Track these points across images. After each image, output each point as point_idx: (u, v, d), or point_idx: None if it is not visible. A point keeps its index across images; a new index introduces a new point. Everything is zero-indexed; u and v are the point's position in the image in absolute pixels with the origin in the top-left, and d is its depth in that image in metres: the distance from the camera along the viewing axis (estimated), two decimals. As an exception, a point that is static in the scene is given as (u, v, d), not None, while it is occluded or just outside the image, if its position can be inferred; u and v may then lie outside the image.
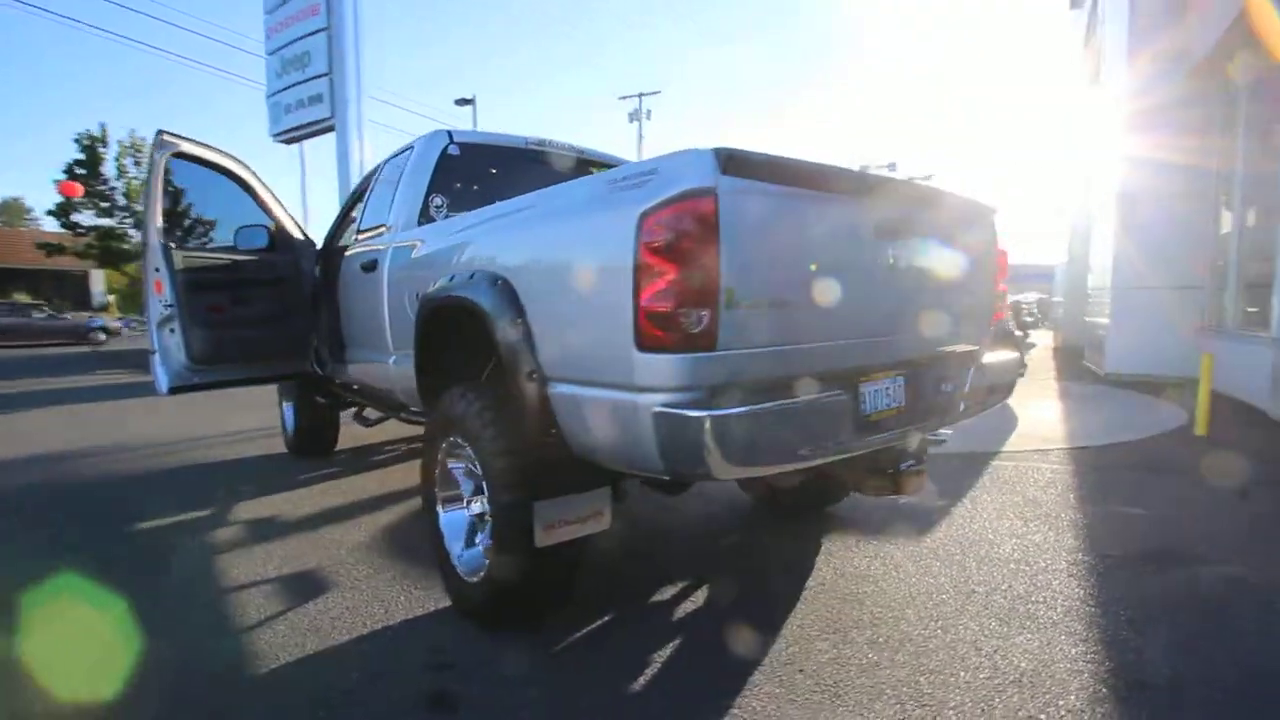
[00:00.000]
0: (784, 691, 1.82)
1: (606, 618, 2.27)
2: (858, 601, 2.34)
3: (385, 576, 2.63)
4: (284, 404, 4.93)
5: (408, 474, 4.18)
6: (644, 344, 1.48)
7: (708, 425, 1.42)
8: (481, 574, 2.12)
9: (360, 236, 3.55)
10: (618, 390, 1.57)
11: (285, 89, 14.96)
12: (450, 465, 2.38)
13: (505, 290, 1.88)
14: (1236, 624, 2.15)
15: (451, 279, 2.18)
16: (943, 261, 2.13)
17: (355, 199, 4.07)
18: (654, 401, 1.48)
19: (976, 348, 2.28)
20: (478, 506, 2.34)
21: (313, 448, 4.68)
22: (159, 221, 3.41)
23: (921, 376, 2.09)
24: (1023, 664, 1.93)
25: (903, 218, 1.95)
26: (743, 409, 1.44)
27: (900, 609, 2.28)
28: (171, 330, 3.51)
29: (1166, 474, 3.87)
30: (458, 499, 2.39)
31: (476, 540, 2.31)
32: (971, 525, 3.06)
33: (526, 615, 2.12)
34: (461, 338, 2.37)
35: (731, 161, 1.47)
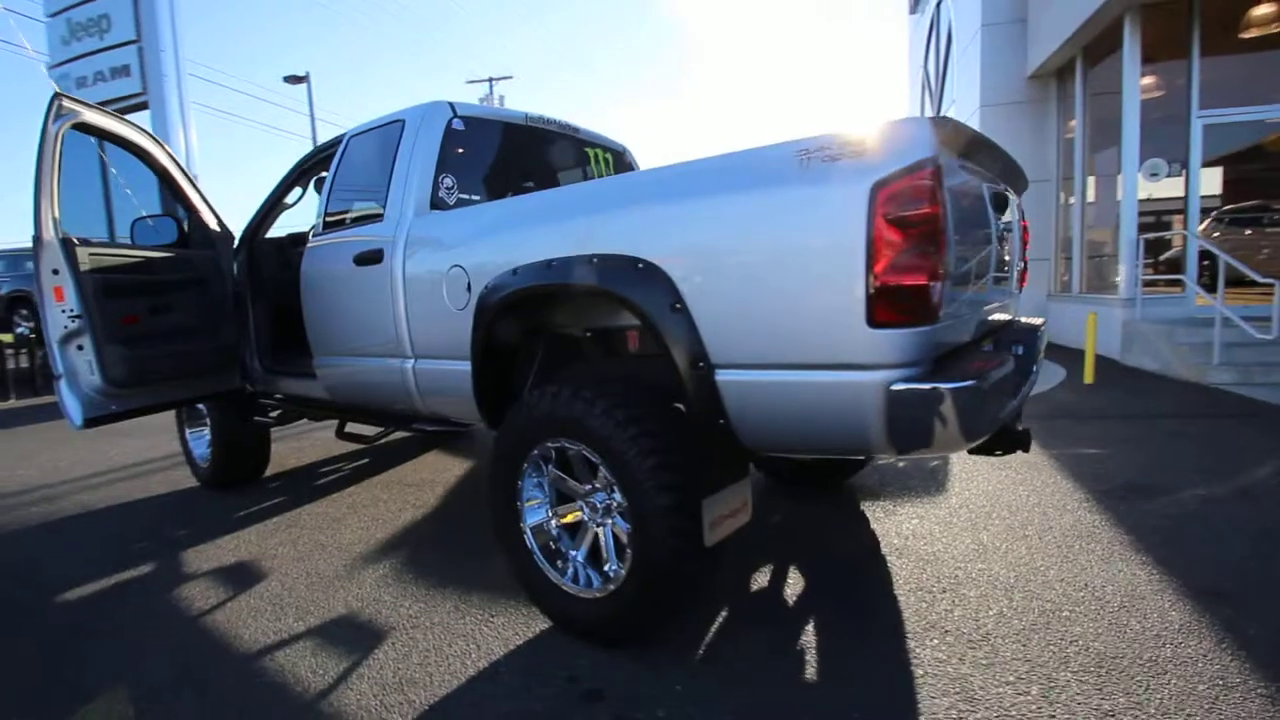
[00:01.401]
0: (947, 655, 1.87)
1: (722, 616, 2.18)
2: (940, 560, 2.47)
3: (444, 609, 2.31)
4: (188, 430, 4.14)
5: (372, 494, 3.70)
6: (877, 319, 1.42)
7: (949, 398, 1.40)
8: (612, 587, 1.93)
9: (329, 223, 3.06)
10: (836, 371, 1.49)
11: (76, 58, 12.46)
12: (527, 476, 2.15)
13: (653, 274, 1.71)
14: (1242, 535, 2.57)
15: (549, 266, 1.94)
16: (1012, 232, 2.29)
17: (290, 183, 3.50)
18: (888, 378, 1.43)
19: (1036, 315, 2.49)
20: (560, 518, 2.14)
21: (239, 477, 3.98)
22: (56, 210, 2.66)
23: (1001, 343, 2.24)
24: (1115, 590, 2.16)
25: (1000, 190, 2.07)
26: (975, 380, 1.44)
27: (983, 560, 2.43)
28: (80, 347, 2.78)
29: (1089, 418, 4.54)
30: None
31: (571, 556, 2.11)
32: (978, 480, 3.35)
33: (664, 624, 1.97)
34: (537, 333, 2.15)
35: (943, 131, 1.46)
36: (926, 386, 1.41)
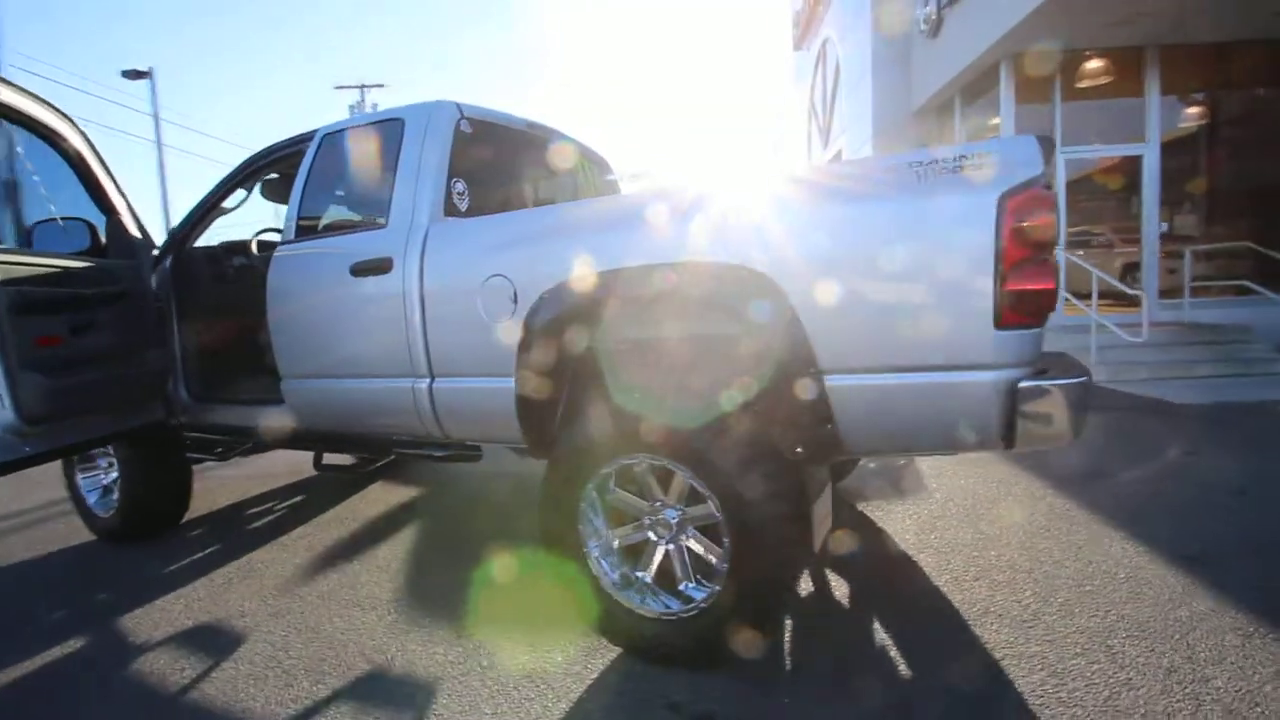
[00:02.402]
0: (1011, 636, 1.99)
1: (789, 625, 2.17)
2: (955, 551, 2.63)
3: (488, 648, 2.10)
4: (79, 473, 3.48)
5: (329, 533, 3.28)
6: (1004, 322, 1.51)
7: (1066, 394, 1.52)
8: (703, 604, 1.86)
9: (303, 229, 2.72)
10: (959, 371, 1.56)
11: None
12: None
13: (759, 282, 1.70)
14: (1186, 506, 2.98)
15: (631, 273, 1.86)
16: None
17: (233, 185, 3.10)
18: (1012, 377, 1.52)
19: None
20: (622, 538, 2.05)
21: (155, 526, 3.39)
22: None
23: None
24: (1114, 563, 2.42)
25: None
26: (1086, 376, 1.57)
27: (993, 548, 2.63)
28: (-14, 377, 2.24)
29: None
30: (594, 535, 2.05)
31: (637, 577, 2.02)
32: (945, 478, 3.62)
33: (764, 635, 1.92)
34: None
35: (1044, 148, 1.59)
36: (1050, 383, 1.51)
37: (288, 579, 2.78)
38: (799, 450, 1.75)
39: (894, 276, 1.59)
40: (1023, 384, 1.51)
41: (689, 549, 1.97)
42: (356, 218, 2.65)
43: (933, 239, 1.55)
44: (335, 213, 2.73)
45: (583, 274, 1.95)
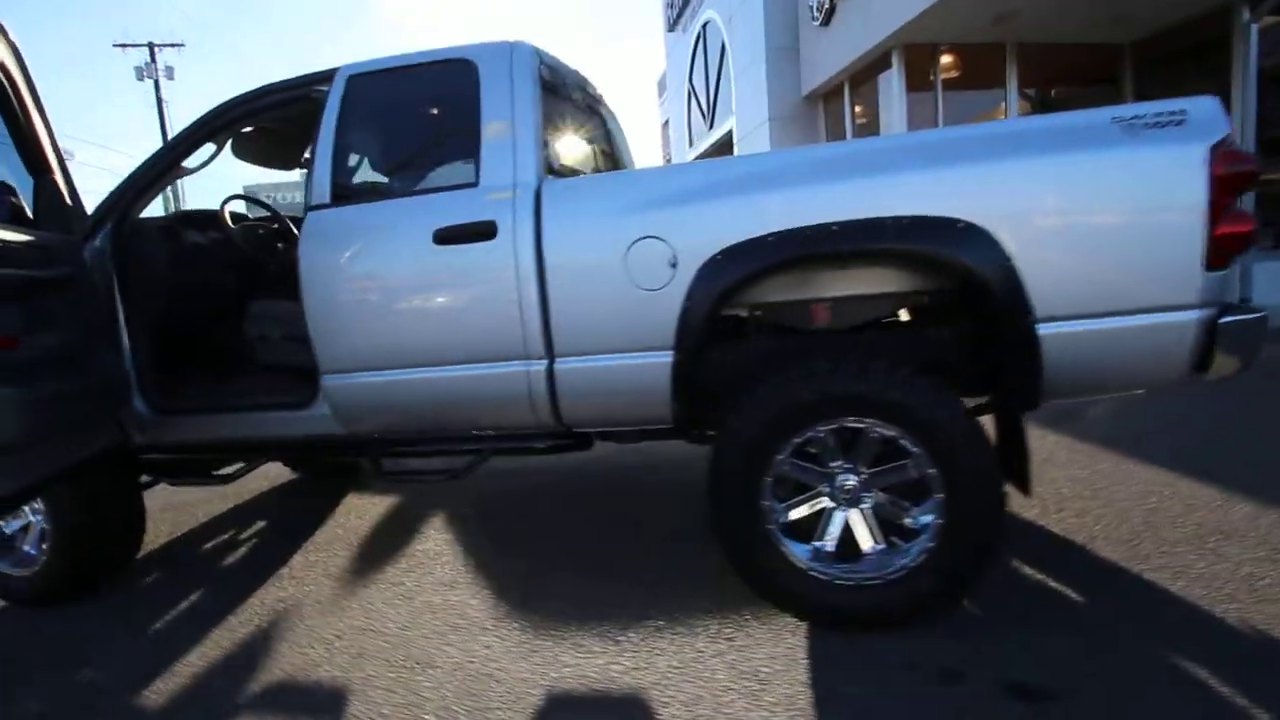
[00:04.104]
0: (1135, 554, 2.22)
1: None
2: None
3: (679, 655, 1.92)
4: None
5: (344, 555, 2.80)
6: (1213, 263, 1.65)
7: (1253, 328, 1.71)
8: (911, 565, 1.85)
9: (341, 194, 2.25)
10: (1169, 312, 1.68)
11: None
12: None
13: (977, 234, 1.69)
14: (1161, 432, 3.49)
15: (833, 231, 1.76)
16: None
17: (199, 139, 2.48)
18: (1214, 315, 1.68)
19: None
20: (806, 505, 1.97)
21: (96, 579, 2.65)
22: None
23: None
24: (1154, 482, 2.79)
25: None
26: (1261, 312, 1.76)
27: (1041, 482, 2.91)
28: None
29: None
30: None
31: (819, 547, 1.96)
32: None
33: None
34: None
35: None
36: (1244, 318, 1.69)
37: (335, 614, 2.33)
38: (1005, 400, 1.79)
39: (1109, 224, 1.68)
40: (1222, 320, 1.67)
41: (873, 512, 1.95)
42: (403, 176, 2.24)
43: (1147, 188, 1.66)
44: (403, 172, 2.28)
45: (768, 232, 1.81)
